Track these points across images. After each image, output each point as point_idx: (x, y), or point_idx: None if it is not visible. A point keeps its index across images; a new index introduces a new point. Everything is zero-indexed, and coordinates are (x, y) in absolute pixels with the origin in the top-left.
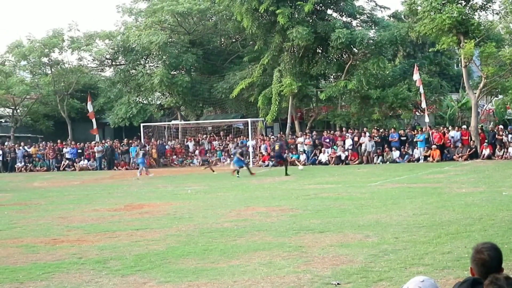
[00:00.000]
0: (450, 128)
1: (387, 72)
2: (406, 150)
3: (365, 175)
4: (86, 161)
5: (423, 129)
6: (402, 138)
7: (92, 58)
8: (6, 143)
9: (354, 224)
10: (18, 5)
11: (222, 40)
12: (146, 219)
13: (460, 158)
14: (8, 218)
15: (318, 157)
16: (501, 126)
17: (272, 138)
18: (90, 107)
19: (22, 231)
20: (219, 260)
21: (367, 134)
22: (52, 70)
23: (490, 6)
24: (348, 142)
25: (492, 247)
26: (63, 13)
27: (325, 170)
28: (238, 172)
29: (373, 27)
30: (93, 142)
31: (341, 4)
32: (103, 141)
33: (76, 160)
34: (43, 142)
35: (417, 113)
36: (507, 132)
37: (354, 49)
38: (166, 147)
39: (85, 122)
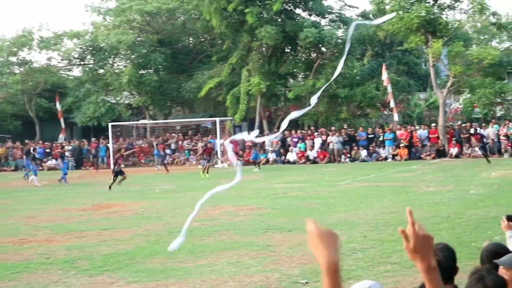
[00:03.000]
0: (417, 127)
1: (355, 71)
2: (374, 149)
3: (333, 174)
4: (54, 160)
5: (391, 127)
6: (370, 136)
7: (60, 58)
8: None
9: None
10: None
11: (191, 39)
12: (114, 219)
13: (428, 156)
14: None
15: (285, 156)
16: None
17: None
18: (59, 107)
19: None
20: (187, 260)
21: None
22: (21, 69)
23: (458, 5)
24: (318, 141)
25: (445, 247)
26: (31, 12)
27: (294, 169)
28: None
29: (342, 26)
30: (58, 142)
31: (310, 4)
32: (70, 141)
33: (44, 159)
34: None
35: (385, 112)
36: (474, 130)
37: (323, 48)
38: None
39: (53, 121)
